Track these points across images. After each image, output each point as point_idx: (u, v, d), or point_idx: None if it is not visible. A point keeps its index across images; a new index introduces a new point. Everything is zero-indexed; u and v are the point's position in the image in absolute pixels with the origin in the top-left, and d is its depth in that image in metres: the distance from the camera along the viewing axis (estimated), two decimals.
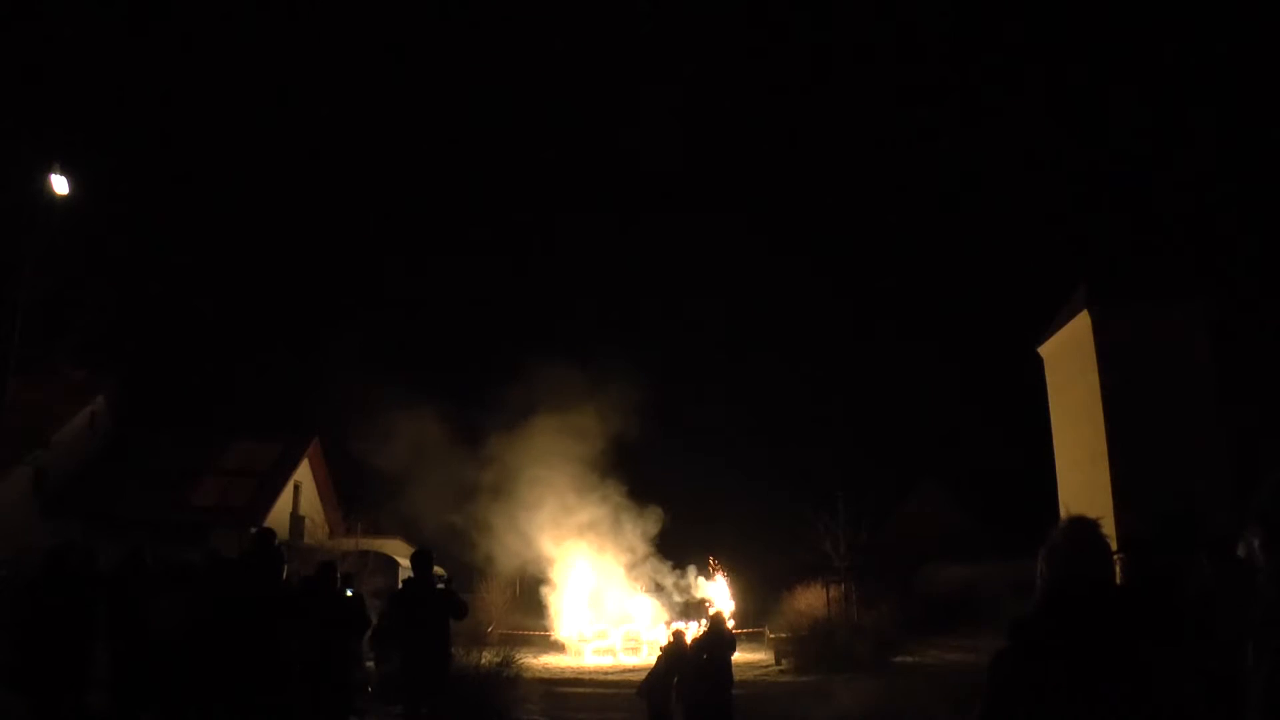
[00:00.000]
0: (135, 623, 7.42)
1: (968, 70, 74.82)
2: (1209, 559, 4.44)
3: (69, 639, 7.69)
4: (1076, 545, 2.50)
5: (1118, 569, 3.62)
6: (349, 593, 10.29)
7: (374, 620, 9.89)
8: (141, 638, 7.33)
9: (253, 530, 21.29)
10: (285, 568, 7.62)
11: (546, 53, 72.52)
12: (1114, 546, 2.60)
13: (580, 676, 21.33)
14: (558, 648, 27.54)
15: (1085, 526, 2.54)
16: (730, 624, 15.04)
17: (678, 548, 31.47)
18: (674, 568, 30.82)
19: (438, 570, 12.13)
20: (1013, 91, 73.87)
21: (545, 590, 29.77)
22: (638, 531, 30.42)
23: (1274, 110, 51.77)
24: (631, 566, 30.38)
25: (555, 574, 29.79)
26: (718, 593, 29.20)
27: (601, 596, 29.78)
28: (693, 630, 16.68)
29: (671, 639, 11.79)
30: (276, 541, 7.08)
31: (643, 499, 30.70)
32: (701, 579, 30.18)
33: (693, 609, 28.45)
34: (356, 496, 24.77)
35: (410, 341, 58.43)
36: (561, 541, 29.68)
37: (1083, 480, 25.56)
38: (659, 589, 30.33)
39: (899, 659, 20.81)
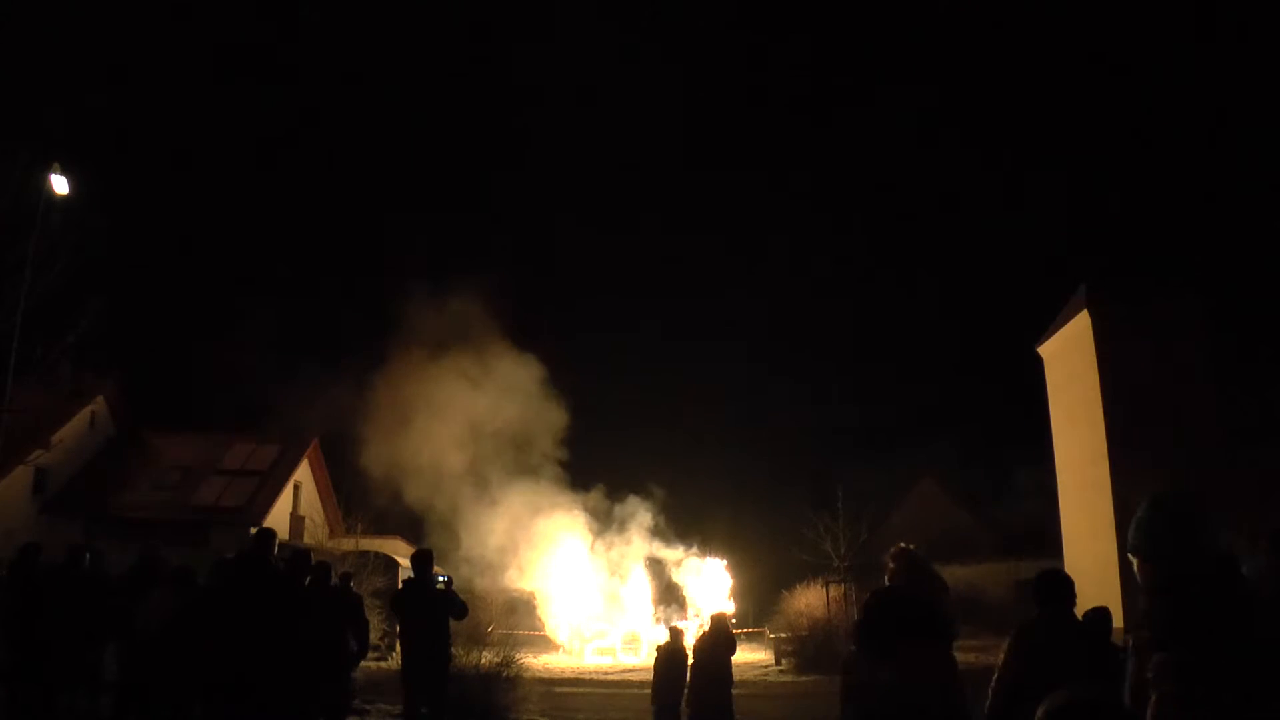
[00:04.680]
0: (132, 623, 7.43)
1: (967, 70, 74.88)
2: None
3: (70, 639, 7.69)
4: (901, 566, 4.18)
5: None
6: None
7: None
8: (136, 637, 7.34)
9: (253, 530, 21.29)
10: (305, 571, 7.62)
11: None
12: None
13: (580, 676, 21.31)
14: (557, 648, 27.51)
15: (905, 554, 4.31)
16: (731, 616, 14.98)
17: (676, 548, 31.46)
18: (680, 543, 30.78)
19: (437, 570, 12.08)
20: (1012, 91, 73.98)
21: (531, 594, 29.69)
22: (634, 527, 30.41)
23: (1274, 109, 51.80)
24: (623, 563, 30.33)
25: (544, 575, 29.69)
26: (713, 575, 29.09)
27: (596, 594, 29.71)
28: (692, 629, 16.64)
29: (669, 637, 11.72)
30: (275, 542, 7.07)
31: (641, 498, 30.70)
32: (696, 561, 30.06)
33: (682, 594, 28.43)
34: (356, 497, 24.70)
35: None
36: (554, 540, 29.60)
37: (1083, 480, 25.55)
38: (655, 572, 30.26)
39: None
